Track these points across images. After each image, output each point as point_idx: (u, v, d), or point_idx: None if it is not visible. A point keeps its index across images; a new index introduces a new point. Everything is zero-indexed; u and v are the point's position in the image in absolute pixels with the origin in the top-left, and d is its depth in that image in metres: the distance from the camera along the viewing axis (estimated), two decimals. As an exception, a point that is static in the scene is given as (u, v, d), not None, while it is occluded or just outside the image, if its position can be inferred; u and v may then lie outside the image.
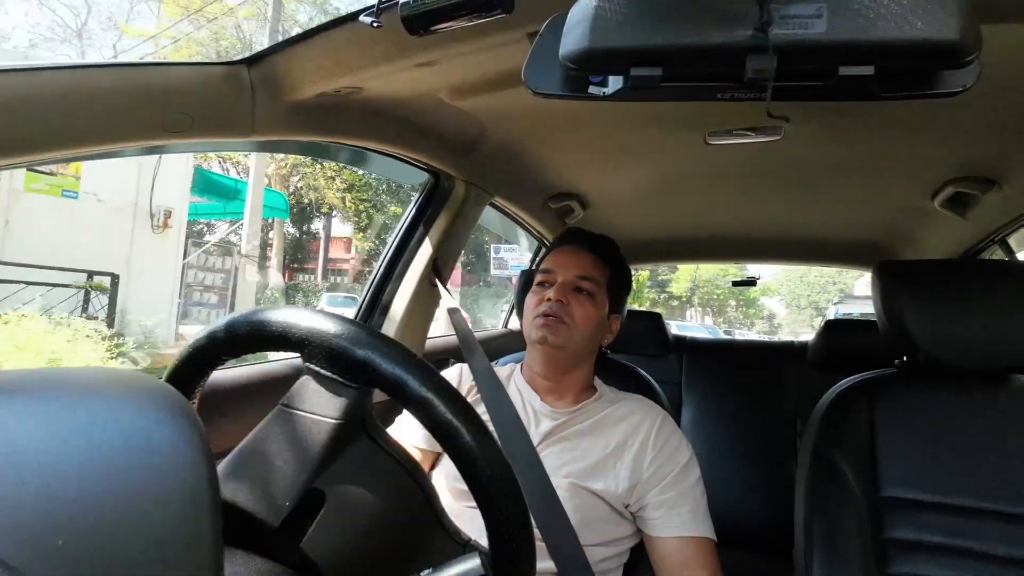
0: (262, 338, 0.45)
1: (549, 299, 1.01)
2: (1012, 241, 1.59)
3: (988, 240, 1.55)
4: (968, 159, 1.24)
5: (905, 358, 1.07)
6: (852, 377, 1.09)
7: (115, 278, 6.54)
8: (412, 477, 0.47)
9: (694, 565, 0.88)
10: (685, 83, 0.49)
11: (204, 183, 8.33)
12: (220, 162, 14.61)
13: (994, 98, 0.96)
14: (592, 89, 0.53)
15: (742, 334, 22.26)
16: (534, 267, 1.15)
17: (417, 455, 1.00)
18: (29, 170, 6.44)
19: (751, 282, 2.92)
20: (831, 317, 7.50)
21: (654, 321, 2.14)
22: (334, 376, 0.44)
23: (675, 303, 24.35)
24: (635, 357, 2.07)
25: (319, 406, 0.44)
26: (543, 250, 1.18)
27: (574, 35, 0.46)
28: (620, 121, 1.19)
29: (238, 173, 13.83)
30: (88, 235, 6.74)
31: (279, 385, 1.06)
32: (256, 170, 9.16)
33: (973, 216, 1.46)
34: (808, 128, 1.14)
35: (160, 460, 0.28)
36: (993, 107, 0.99)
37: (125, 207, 7.24)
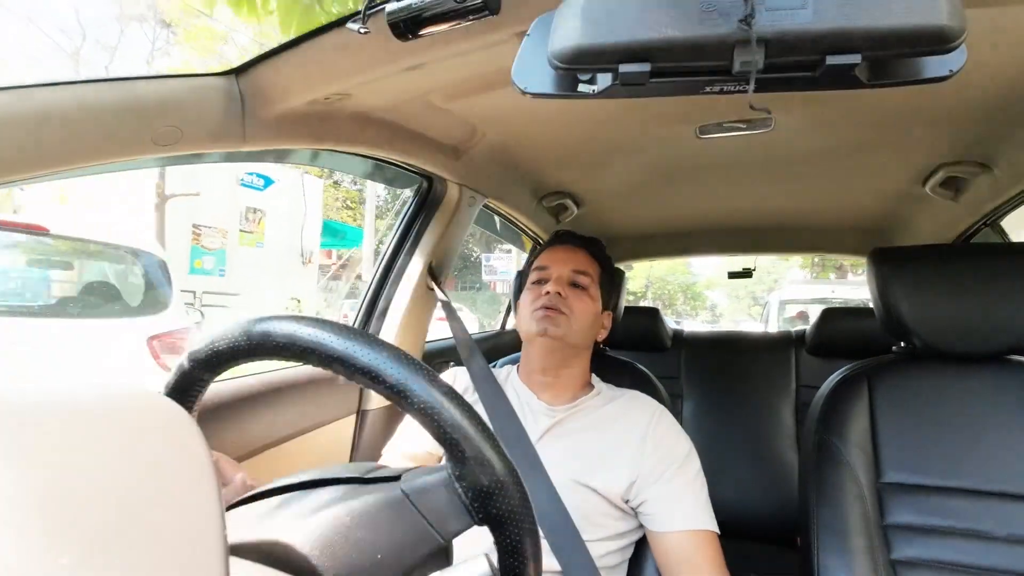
0: (431, 426, 0.43)
1: (547, 293, 1.02)
2: (1005, 223, 1.60)
3: (981, 223, 1.55)
4: (958, 143, 1.25)
5: (903, 344, 1.07)
6: (851, 364, 1.09)
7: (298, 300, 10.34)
8: None
9: (698, 559, 0.88)
10: (673, 78, 0.49)
11: (327, 228, 12.63)
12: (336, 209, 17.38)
13: (982, 82, 0.96)
14: (581, 87, 0.53)
15: (688, 322, 25.61)
16: (527, 267, 1.17)
17: (427, 458, 1.00)
18: (241, 231, 10.30)
19: (747, 273, 2.91)
20: (773, 303, 7.56)
21: (652, 316, 2.14)
22: (471, 508, 0.43)
23: (631, 298, 26.98)
24: (634, 353, 2.08)
25: (439, 520, 0.44)
26: (535, 250, 1.19)
27: (562, 34, 0.46)
28: (611, 118, 1.19)
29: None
30: (269, 272, 10.39)
31: (280, 395, 1.06)
32: (369, 217, 12.26)
33: (965, 200, 1.46)
34: (798, 118, 1.15)
35: (161, 474, 0.28)
36: (981, 91, 1.00)
37: (283, 249, 11.11)
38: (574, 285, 1.06)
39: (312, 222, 11.44)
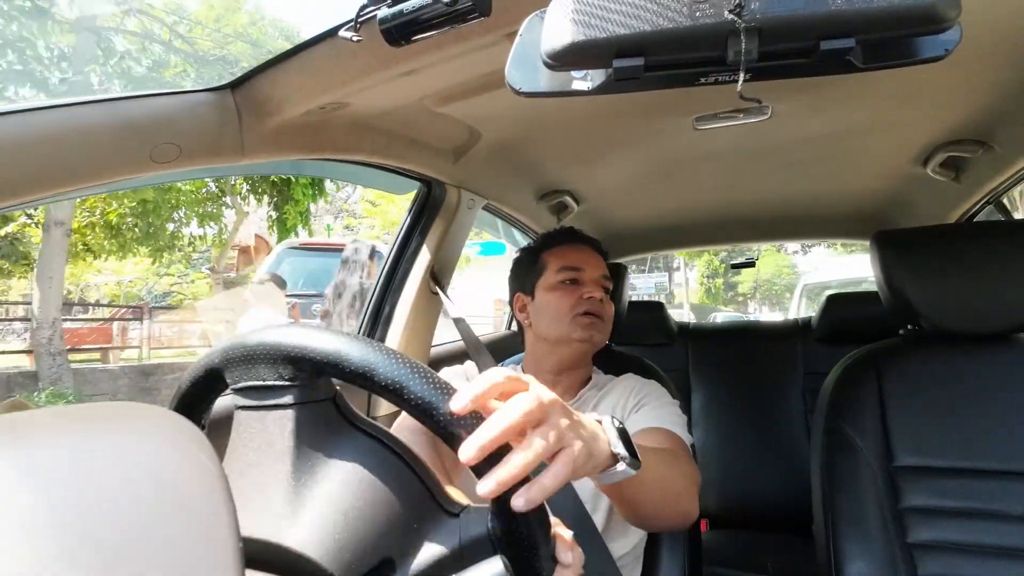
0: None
1: (590, 297, 1.03)
2: (1007, 200, 1.59)
3: (983, 201, 1.55)
4: (957, 122, 1.24)
5: (909, 326, 1.07)
6: (858, 349, 1.09)
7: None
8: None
9: (656, 444, 0.85)
10: (668, 71, 0.49)
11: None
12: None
13: (978, 60, 0.96)
14: (576, 84, 0.53)
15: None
16: (535, 263, 1.13)
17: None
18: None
19: (750, 264, 2.92)
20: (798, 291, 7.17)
21: (656, 310, 2.14)
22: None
23: (740, 299, 29.76)
24: (640, 347, 2.07)
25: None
26: (542, 245, 1.15)
27: (554, 32, 0.46)
28: (608, 114, 1.19)
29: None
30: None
31: None
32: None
33: (966, 179, 1.46)
34: (795, 104, 1.14)
35: (174, 489, 0.28)
36: (978, 69, 0.99)
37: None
38: (605, 291, 1.08)
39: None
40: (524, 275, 1.15)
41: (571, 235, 1.15)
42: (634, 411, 0.97)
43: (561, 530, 0.47)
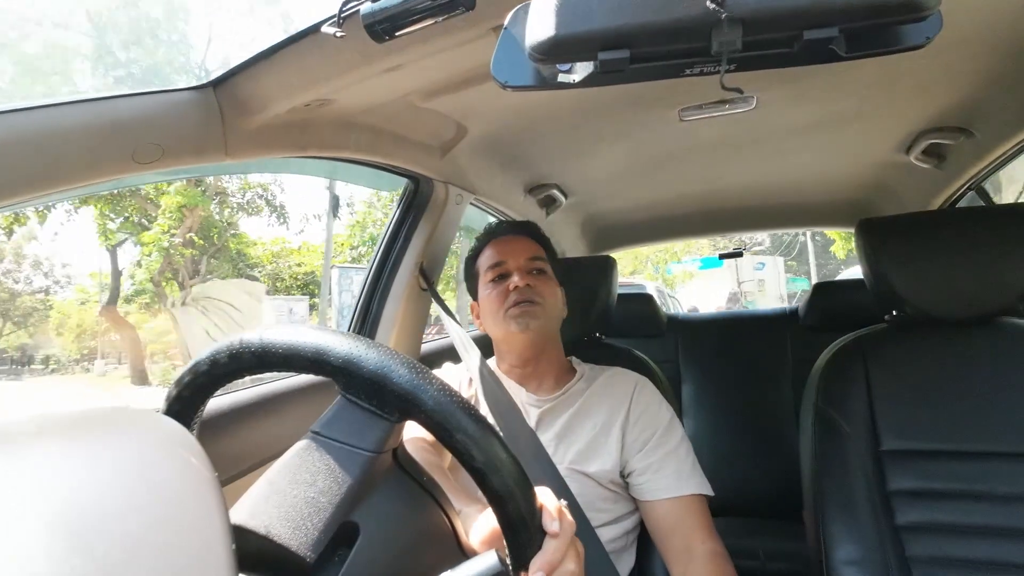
0: (295, 359, 0.43)
1: (515, 287, 1.01)
2: (988, 186, 1.62)
3: (965, 187, 1.57)
4: (938, 110, 1.25)
5: (895, 312, 1.08)
6: (845, 336, 1.10)
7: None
8: (440, 507, 0.47)
9: (686, 524, 0.90)
10: (653, 63, 0.49)
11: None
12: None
13: (958, 48, 0.97)
14: (562, 78, 0.53)
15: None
16: (472, 269, 1.15)
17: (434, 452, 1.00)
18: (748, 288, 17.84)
19: (738, 253, 2.95)
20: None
21: (646, 302, 2.15)
22: (372, 408, 0.43)
23: None
24: (630, 339, 2.08)
25: (354, 437, 0.43)
26: (476, 249, 1.15)
27: (539, 25, 0.46)
28: (594, 106, 1.19)
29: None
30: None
31: (278, 405, 1.06)
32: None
33: (948, 165, 1.47)
34: (779, 94, 1.15)
35: (166, 495, 0.28)
36: (958, 56, 1.00)
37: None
38: (537, 272, 1.05)
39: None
40: (470, 283, 1.16)
41: (494, 231, 1.13)
42: (640, 444, 0.95)
43: (547, 499, 0.49)
